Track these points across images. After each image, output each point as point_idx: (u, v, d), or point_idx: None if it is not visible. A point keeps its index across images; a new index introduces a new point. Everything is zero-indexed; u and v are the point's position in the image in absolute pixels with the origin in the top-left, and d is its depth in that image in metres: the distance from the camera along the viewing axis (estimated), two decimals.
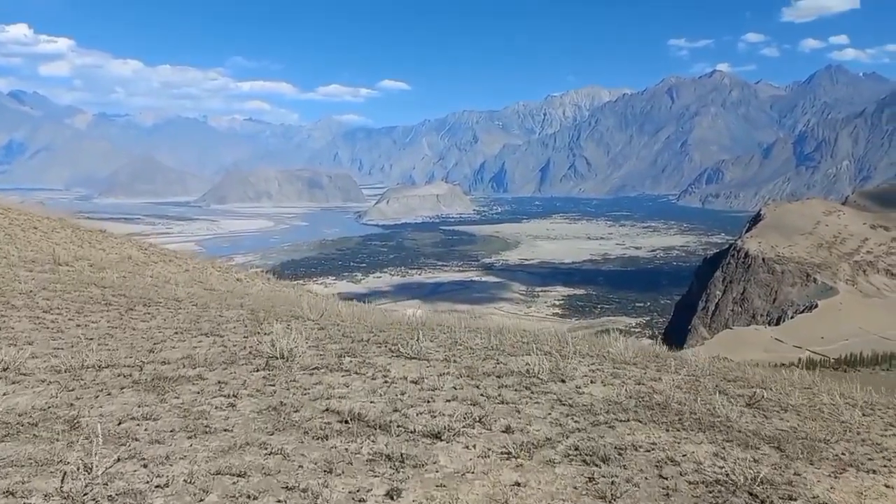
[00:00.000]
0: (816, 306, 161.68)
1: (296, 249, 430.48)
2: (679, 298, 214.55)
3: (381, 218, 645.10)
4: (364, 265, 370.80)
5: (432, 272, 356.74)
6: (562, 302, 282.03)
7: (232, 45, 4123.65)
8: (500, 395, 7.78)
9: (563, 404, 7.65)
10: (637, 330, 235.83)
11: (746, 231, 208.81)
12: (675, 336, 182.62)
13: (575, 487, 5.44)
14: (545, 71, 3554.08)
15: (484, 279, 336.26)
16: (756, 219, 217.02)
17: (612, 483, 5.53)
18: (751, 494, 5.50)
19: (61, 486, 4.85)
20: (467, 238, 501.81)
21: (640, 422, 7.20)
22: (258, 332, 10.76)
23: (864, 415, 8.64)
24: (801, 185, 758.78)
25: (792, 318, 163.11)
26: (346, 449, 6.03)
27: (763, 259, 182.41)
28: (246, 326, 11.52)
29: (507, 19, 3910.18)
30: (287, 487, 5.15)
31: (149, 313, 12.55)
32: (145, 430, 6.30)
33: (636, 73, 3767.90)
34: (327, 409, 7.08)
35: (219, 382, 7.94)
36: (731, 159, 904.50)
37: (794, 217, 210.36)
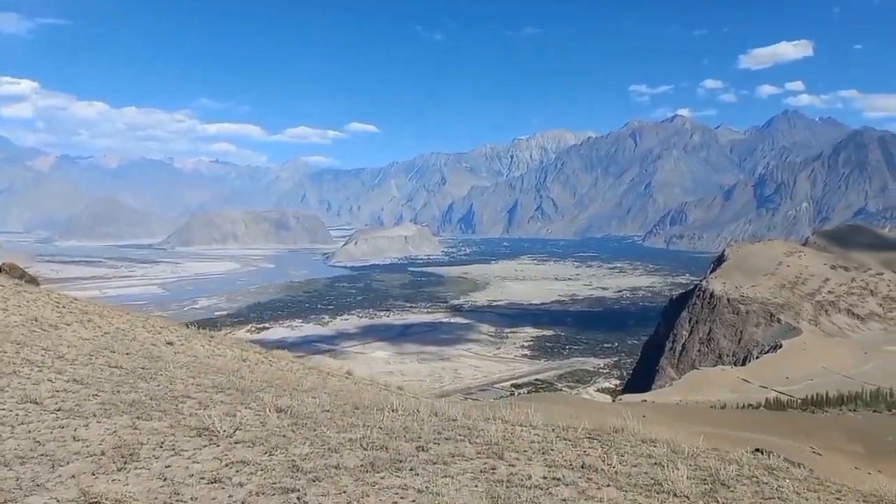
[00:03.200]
0: (781, 346, 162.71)
1: (262, 292, 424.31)
2: (646, 339, 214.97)
3: (349, 259, 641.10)
4: (332, 307, 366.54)
5: (401, 314, 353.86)
6: (530, 343, 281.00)
7: (198, 87, 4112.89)
8: None
9: None
10: (605, 371, 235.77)
11: (711, 272, 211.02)
12: (643, 376, 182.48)
13: None
14: (511, 114, 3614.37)
15: (452, 320, 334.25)
16: (720, 259, 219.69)
17: None
18: None
19: None
20: (436, 279, 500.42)
21: None
22: None
23: None
24: (761, 226, 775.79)
25: (757, 357, 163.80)
26: None
27: (728, 299, 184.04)
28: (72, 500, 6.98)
29: (474, 63, 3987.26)
30: None
31: None
32: None
33: (600, 117, 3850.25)
34: None
35: None
36: (694, 201, 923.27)
37: (756, 258, 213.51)
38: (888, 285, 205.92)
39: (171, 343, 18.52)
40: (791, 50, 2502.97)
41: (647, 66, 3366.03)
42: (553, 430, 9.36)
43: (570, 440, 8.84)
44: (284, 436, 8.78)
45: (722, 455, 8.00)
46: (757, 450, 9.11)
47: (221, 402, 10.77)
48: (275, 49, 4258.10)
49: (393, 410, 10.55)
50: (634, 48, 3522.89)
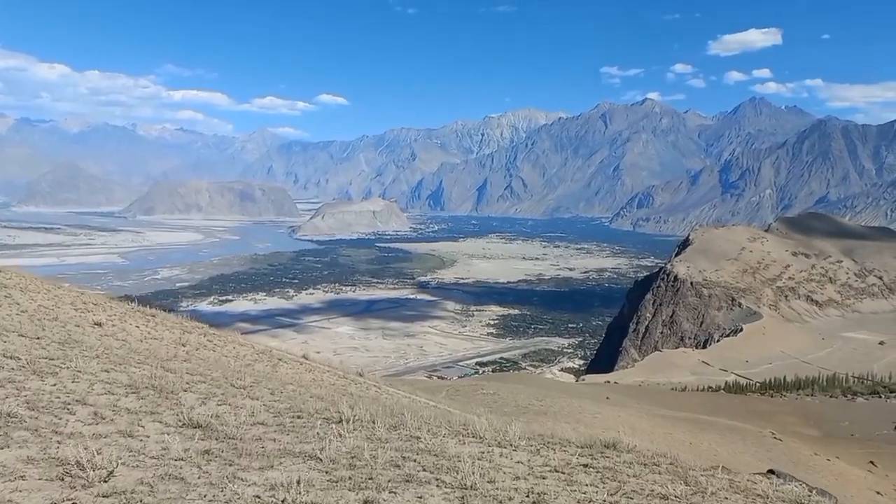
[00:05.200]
0: (741, 330, 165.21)
1: (226, 264, 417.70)
2: (611, 320, 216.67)
3: (315, 233, 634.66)
4: (297, 281, 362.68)
5: (366, 289, 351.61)
6: (496, 321, 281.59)
7: (165, 52, 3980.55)
8: None
9: None
10: (570, 351, 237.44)
11: (675, 255, 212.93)
12: (607, 357, 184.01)
13: None
14: (483, 91, 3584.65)
15: (419, 297, 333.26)
16: (685, 243, 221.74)
17: None
18: None
19: None
20: (403, 255, 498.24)
21: None
22: None
23: None
24: (725, 211, 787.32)
25: (718, 341, 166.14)
26: None
27: (691, 283, 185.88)
28: None
29: (447, 39, 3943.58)
30: None
31: None
32: None
33: (571, 98, 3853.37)
34: None
35: None
36: (661, 185, 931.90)
37: (720, 242, 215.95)
38: (846, 273, 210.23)
39: (99, 324, 16.13)
40: (760, 37, 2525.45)
41: (618, 48, 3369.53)
42: (538, 450, 7.55)
43: (561, 472, 7.15)
44: (182, 479, 6.23)
45: (740, 485, 6.60)
46: (770, 471, 7.91)
47: (126, 410, 8.27)
48: (245, 16, 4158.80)
49: (341, 421, 8.47)
50: (607, 30, 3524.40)
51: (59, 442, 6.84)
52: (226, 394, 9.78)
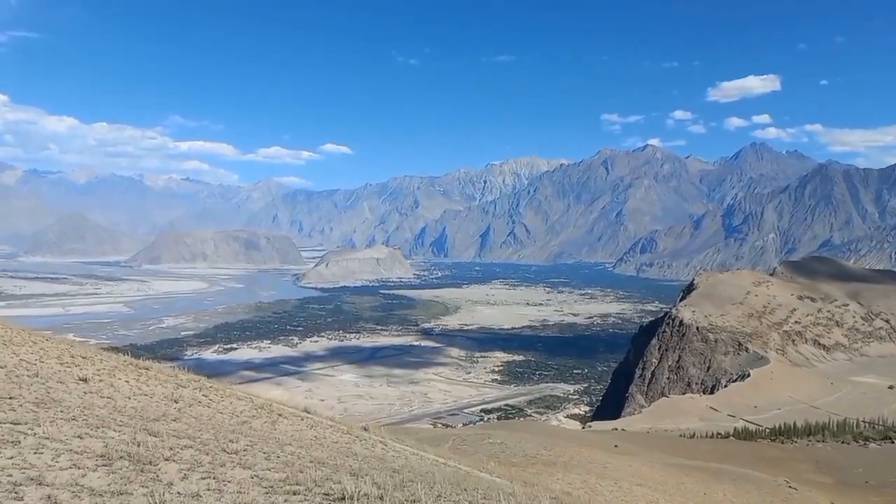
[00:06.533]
0: (749, 375, 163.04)
1: (230, 312, 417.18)
2: (616, 365, 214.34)
3: (319, 281, 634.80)
4: (301, 329, 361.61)
5: (370, 336, 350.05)
6: (501, 368, 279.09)
7: (172, 104, 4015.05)
8: None
9: None
10: (575, 397, 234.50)
11: (680, 300, 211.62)
12: (613, 403, 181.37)
13: None
14: (485, 139, 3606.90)
15: (423, 344, 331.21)
16: (689, 288, 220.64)
17: None
18: None
19: None
20: (407, 302, 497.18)
21: None
22: None
23: None
24: (729, 255, 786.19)
25: (726, 386, 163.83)
26: None
27: (697, 328, 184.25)
28: None
29: (448, 88, 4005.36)
30: None
31: None
32: None
33: (572, 145, 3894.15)
34: None
35: None
36: (664, 230, 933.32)
37: (725, 287, 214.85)
38: (853, 316, 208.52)
39: (84, 379, 15.03)
40: (759, 84, 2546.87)
41: (618, 95, 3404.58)
42: None
43: None
44: None
45: None
46: None
47: (89, 491, 6.78)
48: (250, 69, 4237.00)
49: (344, 499, 7.42)
50: (606, 78, 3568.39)
51: None
52: (214, 462, 8.90)
